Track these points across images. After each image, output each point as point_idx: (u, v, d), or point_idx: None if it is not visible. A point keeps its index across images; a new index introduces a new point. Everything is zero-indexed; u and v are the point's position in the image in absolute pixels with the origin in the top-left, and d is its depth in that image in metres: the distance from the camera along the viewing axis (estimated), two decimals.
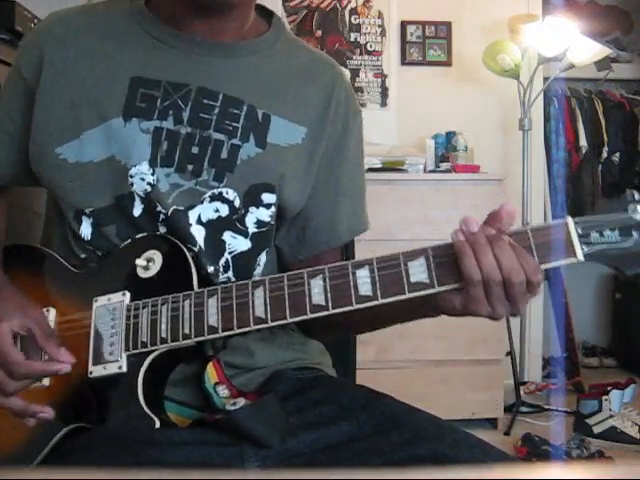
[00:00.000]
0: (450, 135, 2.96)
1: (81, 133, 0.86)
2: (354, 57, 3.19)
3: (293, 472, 0.76)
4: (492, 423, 2.68)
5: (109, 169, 0.85)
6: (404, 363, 2.59)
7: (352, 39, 3.20)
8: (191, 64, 0.89)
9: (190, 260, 0.82)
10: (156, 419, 0.76)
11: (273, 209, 0.91)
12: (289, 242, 0.97)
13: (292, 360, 0.94)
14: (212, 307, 0.77)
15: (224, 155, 0.87)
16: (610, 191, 3.57)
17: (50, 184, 0.89)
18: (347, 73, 3.17)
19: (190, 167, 0.86)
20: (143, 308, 0.80)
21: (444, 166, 2.86)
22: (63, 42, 0.89)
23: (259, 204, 0.89)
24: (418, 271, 0.72)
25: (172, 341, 0.77)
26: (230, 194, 0.88)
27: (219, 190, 0.87)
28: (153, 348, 0.78)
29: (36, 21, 1.64)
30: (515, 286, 0.69)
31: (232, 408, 0.79)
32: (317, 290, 0.74)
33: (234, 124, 0.88)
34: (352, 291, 0.73)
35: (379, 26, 3.20)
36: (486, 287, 0.69)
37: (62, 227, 0.92)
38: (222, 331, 0.76)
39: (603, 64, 3.35)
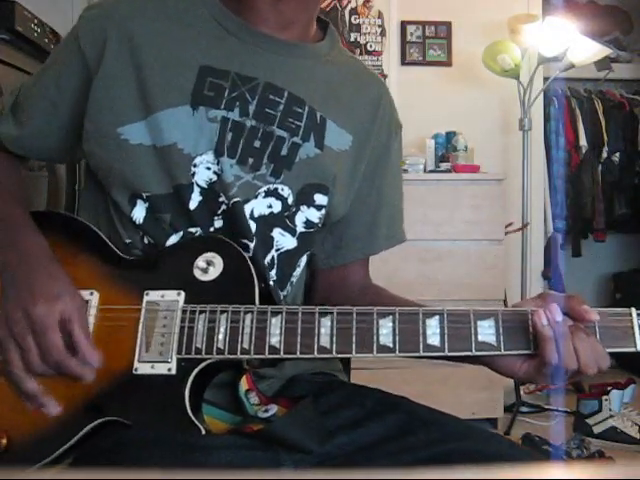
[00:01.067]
0: (450, 135, 2.96)
1: (146, 116, 0.84)
2: None
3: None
4: (492, 423, 2.68)
5: (171, 156, 0.84)
6: (404, 363, 2.59)
7: (352, 39, 3.19)
8: (259, 58, 0.89)
9: (253, 272, 0.80)
10: (202, 427, 0.75)
11: (323, 211, 0.92)
12: (324, 249, 0.99)
13: (310, 367, 0.96)
14: (275, 327, 0.76)
15: (284, 152, 0.88)
16: (610, 191, 3.58)
17: (104, 163, 0.87)
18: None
19: (251, 160, 0.86)
20: (200, 313, 0.77)
21: (444, 166, 2.86)
22: (132, 21, 0.87)
23: (311, 204, 0.91)
24: (487, 332, 0.75)
25: (229, 353, 0.76)
26: (285, 191, 0.88)
27: (275, 186, 0.88)
28: (207, 356, 0.76)
29: (36, 21, 1.63)
30: (586, 374, 0.75)
31: (265, 415, 0.80)
32: (385, 331, 0.75)
33: (297, 123, 0.89)
34: (420, 338, 0.75)
35: (379, 26, 3.20)
36: (558, 369, 0.74)
37: (103, 208, 0.90)
38: (284, 353, 0.75)
39: (603, 64, 3.36)
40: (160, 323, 0.78)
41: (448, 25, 3.21)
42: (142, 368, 0.77)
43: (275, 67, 0.89)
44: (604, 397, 2.58)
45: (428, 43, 3.21)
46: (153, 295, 0.79)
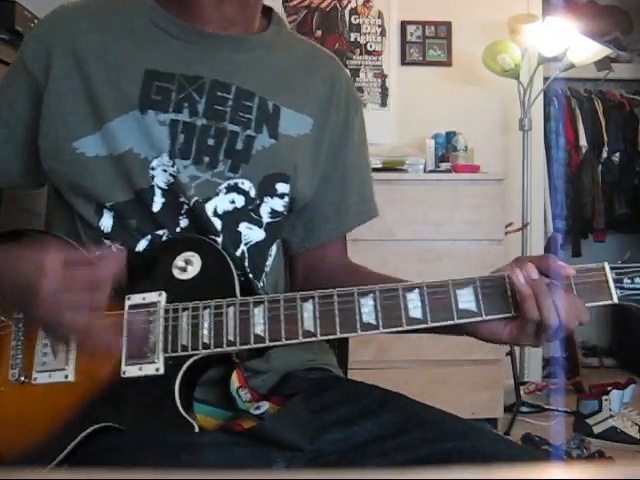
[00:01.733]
0: (450, 135, 2.96)
1: (100, 127, 0.85)
2: (354, 57, 3.19)
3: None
4: (492, 423, 2.68)
5: (128, 163, 0.85)
6: (404, 363, 2.59)
7: (352, 39, 3.20)
8: (203, 57, 0.89)
9: (232, 266, 0.81)
10: (195, 424, 0.75)
11: (286, 199, 0.92)
12: (296, 233, 1.00)
13: (304, 362, 0.96)
14: (258, 316, 0.76)
15: (239, 146, 0.88)
16: (610, 191, 3.58)
17: (65, 178, 0.87)
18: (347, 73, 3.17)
19: (207, 159, 0.87)
20: (183, 311, 0.78)
21: (444, 166, 2.86)
22: (74, 34, 0.88)
23: (273, 194, 0.91)
24: (466, 299, 0.76)
25: (215, 347, 0.76)
26: (246, 185, 0.89)
27: (235, 181, 0.88)
28: (194, 352, 0.77)
29: (36, 21, 1.64)
30: (568, 330, 0.75)
31: (257, 412, 0.80)
32: (367, 309, 0.76)
33: (247, 115, 0.89)
34: (402, 312, 0.76)
35: (379, 26, 3.20)
36: (540, 327, 0.75)
37: (69, 222, 0.91)
38: (269, 341, 0.76)
39: (603, 64, 3.36)
40: (144, 325, 0.78)
41: (448, 25, 3.21)
42: (130, 371, 0.77)
43: (220, 63, 0.90)
44: (604, 397, 2.58)
45: (428, 43, 3.21)
46: (135, 298, 0.80)
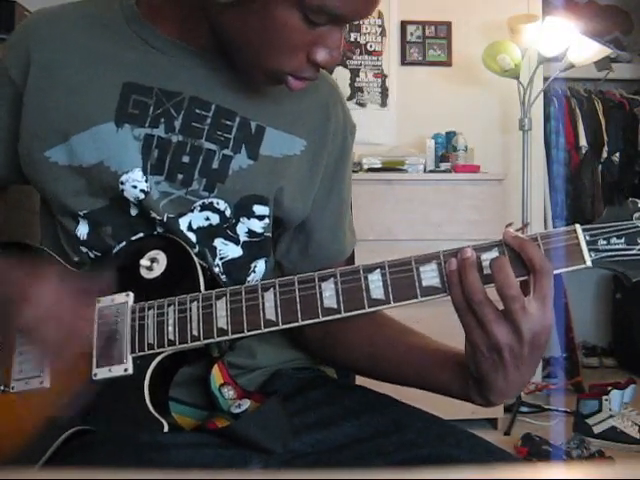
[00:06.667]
0: (450, 135, 2.96)
1: (70, 136, 0.84)
2: (354, 57, 3.19)
3: (295, 472, 0.75)
4: (492, 423, 2.68)
5: (99, 174, 0.84)
6: None
7: (352, 39, 3.19)
8: (184, 72, 0.87)
9: (196, 261, 0.81)
10: (165, 422, 0.75)
11: (267, 221, 0.89)
12: (290, 258, 0.96)
13: (292, 360, 0.95)
14: (221, 309, 0.76)
15: (215, 165, 0.86)
16: (610, 191, 3.58)
17: (41, 186, 0.87)
18: (347, 73, 3.18)
19: (180, 176, 0.85)
20: (149, 309, 0.78)
21: (444, 166, 2.86)
22: (50, 41, 0.87)
23: (250, 215, 0.88)
24: (430, 275, 0.73)
25: (180, 343, 0.76)
26: (221, 205, 0.87)
27: (209, 200, 0.86)
28: (160, 350, 0.77)
29: None
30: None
31: (237, 411, 0.79)
32: (328, 293, 0.74)
33: (226, 135, 0.87)
34: (364, 294, 0.73)
35: (379, 26, 3.20)
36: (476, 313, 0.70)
37: (52, 228, 0.91)
38: (232, 334, 0.75)
39: (603, 64, 3.36)
40: (113, 327, 0.79)
41: (448, 25, 3.21)
42: (101, 373, 0.77)
43: (202, 81, 0.87)
44: (604, 397, 2.58)
45: (428, 43, 3.21)
46: (104, 301, 0.80)
